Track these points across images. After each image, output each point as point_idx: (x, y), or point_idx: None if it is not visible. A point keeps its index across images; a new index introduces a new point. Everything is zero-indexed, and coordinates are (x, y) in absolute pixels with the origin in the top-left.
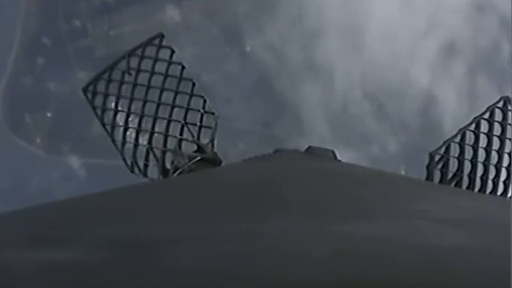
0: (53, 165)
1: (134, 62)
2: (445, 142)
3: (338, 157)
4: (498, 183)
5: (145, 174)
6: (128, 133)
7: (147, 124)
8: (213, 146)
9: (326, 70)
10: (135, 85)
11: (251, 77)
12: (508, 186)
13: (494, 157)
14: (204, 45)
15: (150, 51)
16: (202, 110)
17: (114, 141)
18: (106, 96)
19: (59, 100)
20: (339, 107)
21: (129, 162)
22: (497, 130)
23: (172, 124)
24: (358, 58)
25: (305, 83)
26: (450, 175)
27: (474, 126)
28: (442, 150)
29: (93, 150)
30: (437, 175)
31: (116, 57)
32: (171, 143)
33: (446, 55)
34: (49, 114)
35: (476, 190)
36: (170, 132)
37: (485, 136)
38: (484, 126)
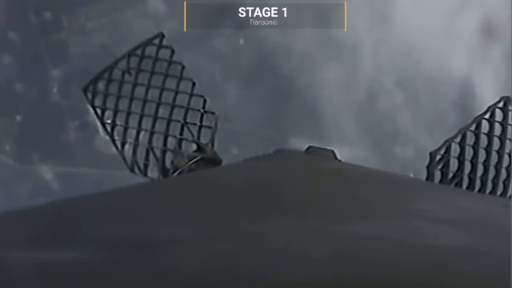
0: (23, 176)
1: (133, 62)
2: (445, 142)
3: (341, 157)
4: (497, 183)
5: (145, 174)
6: (128, 132)
7: (147, 124)
8: (213, 145)
9: (347, 51)
10: (135, 84)
11: (250, 60)
12: (508, 186)
13: (495, 157)
14: (193, 31)
15: (150, 51)
16: (201, 110)
17: (113, 140)
18: (105, 96)
19: (30, 102)
20: (364, 98)
21: (129, 162)
22: (497, 130)
23: (172, 124)
24: (385, 37)
25: (321, 67)
26: (451, 175)
27: (474, 126)
28: (443, 150)
29: (67, 158)
30: (437, 175)
31: (94, 52)
32: (171, 143)
33: (483, 36)
34: (18, 118)
35: (476, 190)
36: (170, 132)
37: (485, 136)
38: (484, 127)
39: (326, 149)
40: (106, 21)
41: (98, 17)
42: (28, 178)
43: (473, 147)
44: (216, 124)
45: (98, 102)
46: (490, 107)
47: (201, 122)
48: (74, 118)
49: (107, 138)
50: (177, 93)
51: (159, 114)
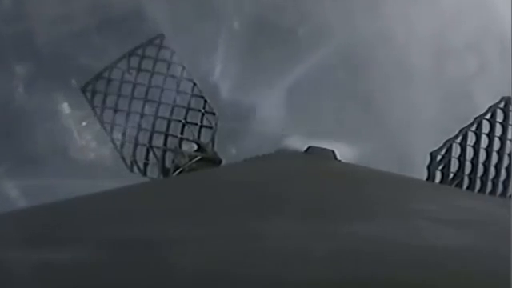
0: None
1: (133, 62)
2: (446, 142)
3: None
4: (497, 184)
5: (144, 174)
6: (128, 132)
7: (147, 124)
8: (213, 145)
9: None
10: (135, 84)
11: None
12: (508, 186)
13: (495, 157)
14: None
15: (151, 51)
16: (202, 110)
17: (113, 140)
18: (105, 95)
19: None
20: (426, 63)
21: (128, 162)
22: (498, 130)
23: (172, 123)
24: None
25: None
26: (451, 175)
27: (475, 126)
28: (443, 151)
29: (36, 168)
30: (437, 175)
31: (62, 41)
32: (171, 143)
33: None
34: None
35: (476, 190)
36: (171, 131)
37: (486, 136)
38: (485, 127)
39: (325, 149)
40: (76, 6)
41: (68, 2)
42: None
43: (473, 147)
44: (216, 124)
45: (97, 101)
46: (490, 107)
47: (201, 121)
48: (44, 122)
49: (83, 143)
50: (177, 93)
51: (159, 114)
